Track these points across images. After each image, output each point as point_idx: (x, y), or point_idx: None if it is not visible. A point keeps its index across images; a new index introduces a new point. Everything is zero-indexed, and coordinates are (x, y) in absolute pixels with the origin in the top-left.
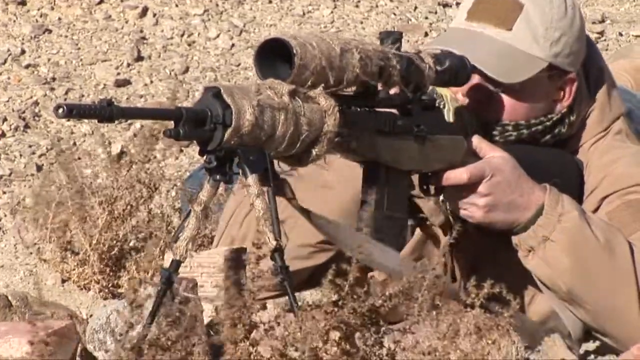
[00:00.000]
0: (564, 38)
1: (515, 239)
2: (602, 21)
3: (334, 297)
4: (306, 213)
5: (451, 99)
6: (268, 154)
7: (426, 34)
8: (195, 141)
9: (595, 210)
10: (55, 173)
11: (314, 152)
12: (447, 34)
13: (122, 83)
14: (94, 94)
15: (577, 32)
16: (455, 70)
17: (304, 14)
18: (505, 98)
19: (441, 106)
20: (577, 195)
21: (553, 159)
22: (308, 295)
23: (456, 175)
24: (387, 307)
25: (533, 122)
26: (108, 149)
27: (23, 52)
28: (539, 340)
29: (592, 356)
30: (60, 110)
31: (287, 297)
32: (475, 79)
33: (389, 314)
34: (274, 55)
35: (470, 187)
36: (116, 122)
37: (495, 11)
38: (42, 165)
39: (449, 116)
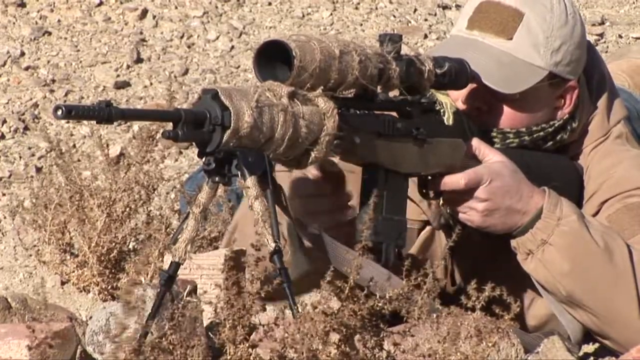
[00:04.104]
0: (564, 46)
1: (514, 242)
2: (602, 23)
3: (334, 300)
4: (301, 226)
5: (450, 106)
6: (267, 155)
7: (425, 36)
8: (194, 143)
9: (596, 214)
10: (54, 175)
11: (313, 154)
12: (447, 42)
13: (121, 85)
14: (93, 95)
15: (578, 40)
16: (455, 73)
17: (303, 16)
18: (506, 107)
19: (441, 113)
20: (577, 199)
21: (553, 163)
22: (307, 298)
23: (453, 181)
24: (387, 309)
25: (534, 129)
26: (106, 151)
27: (23, 54)
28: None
29: (592, 358)
30: (59, 112)
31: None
32: (475, 87)
33: None
34: (274, 58)
35: (469, 192)
36: (115, 123)
37: (496, 20)
38: (42, 167)
39: (448, 123)
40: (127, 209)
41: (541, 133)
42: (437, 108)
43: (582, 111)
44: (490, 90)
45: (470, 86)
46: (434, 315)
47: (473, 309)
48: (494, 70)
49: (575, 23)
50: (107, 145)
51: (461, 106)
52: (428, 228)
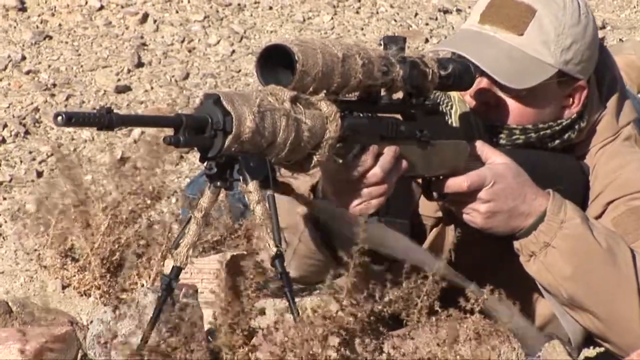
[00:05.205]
0: (575, 45)
1: (517, 244)
2: (603, 27)
3: (333, 303)
4: (310, 204)
5: (459, 100)
6: (269, 160)
7: (426, 40)
8: (195, 148)
9: (600, 215)
10: (58, 180)
11: (315, 158)
12: (457, 35)
13: (122, 89)
14: (94, 100)
15: (590, 40)
16: (459, 74)
17: (304, 20)
18: (513, 102)
19: (448, 107)
20: (583, 199)
21: (558, 163)
22: (308, 302)
23: (456, 183)
24: (386, 312)
25: (541, 126)
26: (114, 154)
27: (24, 58)
28: (538, 347)
29: None
30: (59, 119)
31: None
32: (484, 82)
33: None
34: (276, 62)
35: (471, 194)
36: (116, 129)
37: (508, 15)
38: (43, 171)
39: (455, 118)
40: (131, 213)
41: (548, 131)
42: (445, 104)
43: (590, 112)
44: (498, 85)
45: (479, 81)
46: (434, 318)
47: (472, 312)
48: (504, 64)
49: (587, 23)
50: (112, 151)
51: (469, 101)
52: (440, 225)
